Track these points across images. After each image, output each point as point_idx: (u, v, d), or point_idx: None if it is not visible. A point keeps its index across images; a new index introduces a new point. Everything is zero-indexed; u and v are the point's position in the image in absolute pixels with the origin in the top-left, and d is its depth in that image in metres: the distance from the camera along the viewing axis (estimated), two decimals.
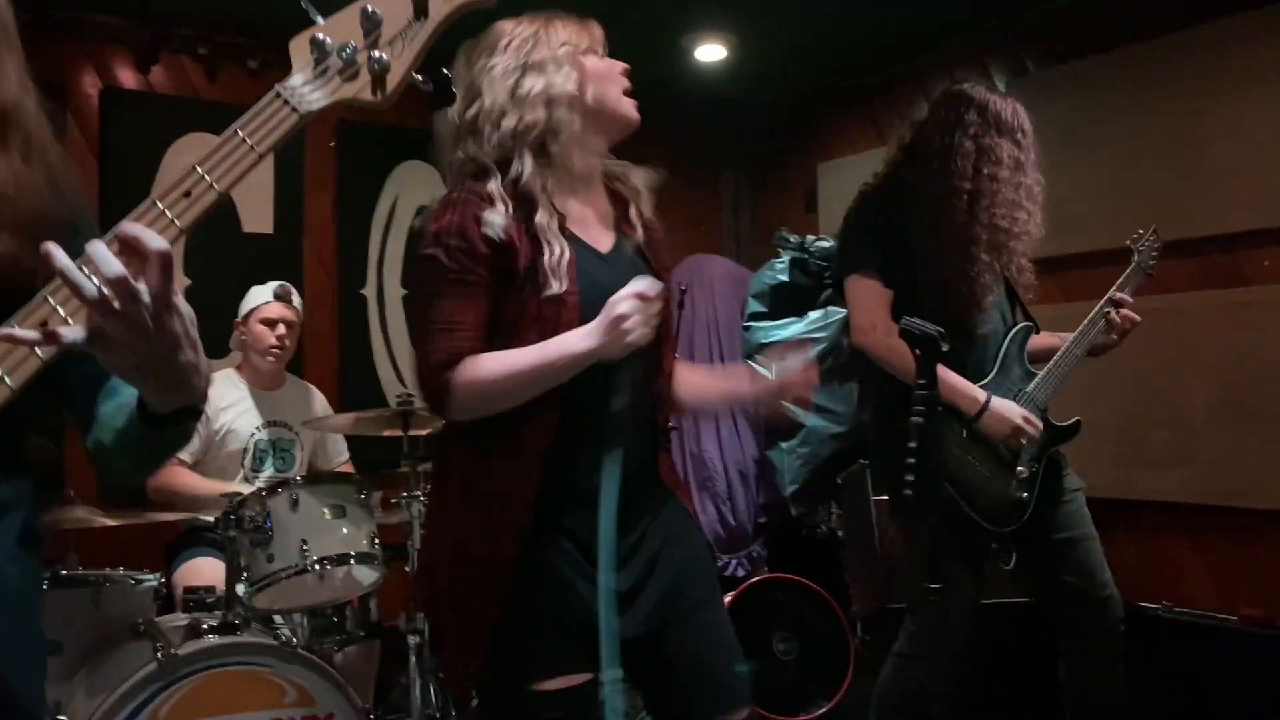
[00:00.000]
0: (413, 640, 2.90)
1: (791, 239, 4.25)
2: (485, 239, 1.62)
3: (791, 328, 4.01)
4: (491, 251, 1.62)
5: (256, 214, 4.20)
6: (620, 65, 1.78)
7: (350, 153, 4.37)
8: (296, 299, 3.50)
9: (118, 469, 1.24)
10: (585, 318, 1.61)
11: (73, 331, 0.97)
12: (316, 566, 2.72)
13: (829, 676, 3.82)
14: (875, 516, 3.53)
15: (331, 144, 4.33)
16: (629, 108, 1.76)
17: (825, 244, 4.13)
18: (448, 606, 1.71)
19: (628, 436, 1.66)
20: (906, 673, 2.39)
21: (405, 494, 2.99)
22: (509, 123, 1.67)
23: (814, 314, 4.02)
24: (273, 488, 2.77)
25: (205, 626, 2.57)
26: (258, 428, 3.41)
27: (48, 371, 1.02)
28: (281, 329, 3.43)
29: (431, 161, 4.56)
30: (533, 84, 1.68)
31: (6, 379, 0.99)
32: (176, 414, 1.12)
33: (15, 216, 1.09)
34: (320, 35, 1.10)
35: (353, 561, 2.77)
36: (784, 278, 4.18)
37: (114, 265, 0.94)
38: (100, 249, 0.94)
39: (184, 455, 3.24)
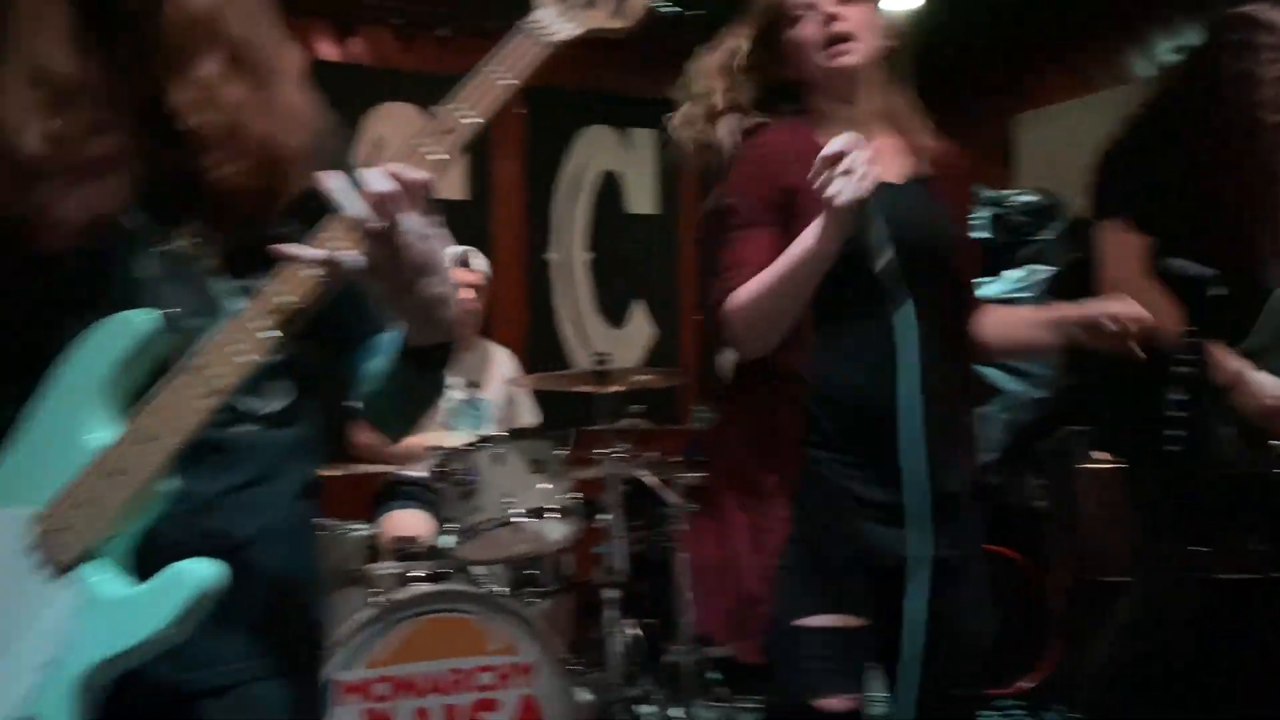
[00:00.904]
0: (612, 594, 2.93)
1: (987, 193, 4.06)
2: (772, 180, 1.64)
3: (990, 288, 3.84)
4: (779, 191, 1.64)
5: (448, 180, 4.32)
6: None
7: (537, 118, 4.43)
8: (480, 262, 3.58)
9: (384, 418, 1.32)
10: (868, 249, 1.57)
11: (351, 256, 1.02)
12: (518, 519, 2.79)
13: (1030, 650, 3.67)
14: (1083, 483, 3.35)
15: (518, 110, 4.40)
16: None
17: (1026, 198, 3.93)
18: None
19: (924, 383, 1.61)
20: (1132, 646, 2.25)
21: (601, 451, 3.02)
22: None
23: (1014, 273, 3.83)
24: (476, 443, 2.85)
25: (414, 575, 2.68)
26: (451, 388, 3.51)
27: (323, 325, 1.09)
28: (464, 292, 3.52)
29: (617, 125, 4.65)
30: None
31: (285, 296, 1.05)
32: (434, 350, 1.16)
33: (275, 146, 1.13)
34: None
35: (552, 515, 2.83)
36: (982, 234, 4.00)
37: (380, 183, 1.00)
38: (368, 172, 1.01)
39: None
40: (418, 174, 1.02)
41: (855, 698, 1.63)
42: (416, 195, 1.02)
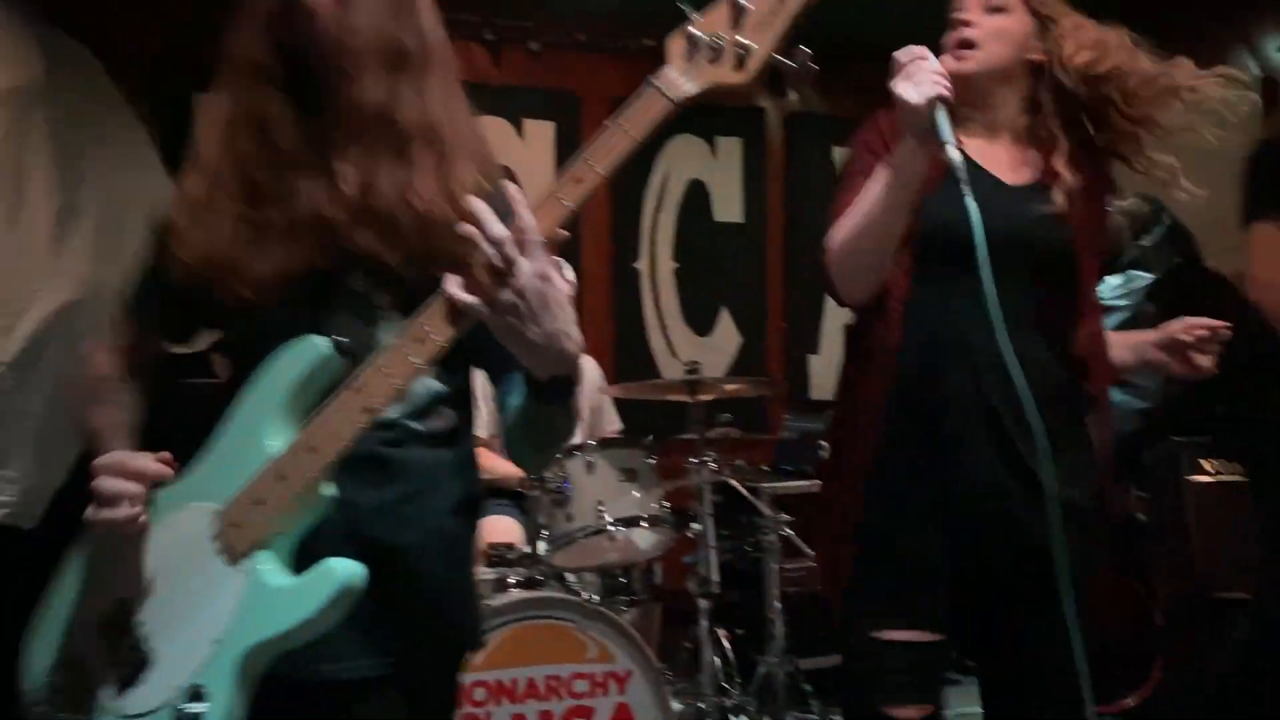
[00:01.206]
0: (704, 604, 2.93)
1: None
2: (886, 147, 1.64)
3: None
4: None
5: (537, 190, 4.36)
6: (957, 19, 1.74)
7: None
8: (568, 273, 3.60)
9: (519, 452, 1.43)
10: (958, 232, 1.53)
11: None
12: (611, 528, 2.81)
13: (1133, 667, 3.56)
14: (1191, 495, 3.25)
15: (607, 121, 4.43)
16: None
17: (1125, 203, 3.82)
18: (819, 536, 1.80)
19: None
20: (1253, 664, 2.18)
21: (693, 459, 3.02)
22: None
23: (1113, 279, 3.73)
24: (569, 451, 2.87)
25: (510, 581, 2.71)
26: None
27: (478, 357, 1.28)
28: None
29: (704, 134, 4.65)
30: None
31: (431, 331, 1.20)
32: (555, 384, 1.23)
33: (420, 214, 1.26)
34: (692, 30, 1.21)
35: (644, 524, 2.85)
36: None
37: (497, 228, 1.14)
38: (493, 222, 1.15)
39: (480, 431, 3.42)
40: (528, 222, 1.15)
41: (929, 708, 1.64)
42: (528, 241, 1.14)
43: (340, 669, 1.26)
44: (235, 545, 1.21)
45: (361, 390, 1.19)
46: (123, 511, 1.22)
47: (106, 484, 1.23)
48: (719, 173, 4.62)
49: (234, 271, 1.27)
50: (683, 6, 1.22)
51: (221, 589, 1.20)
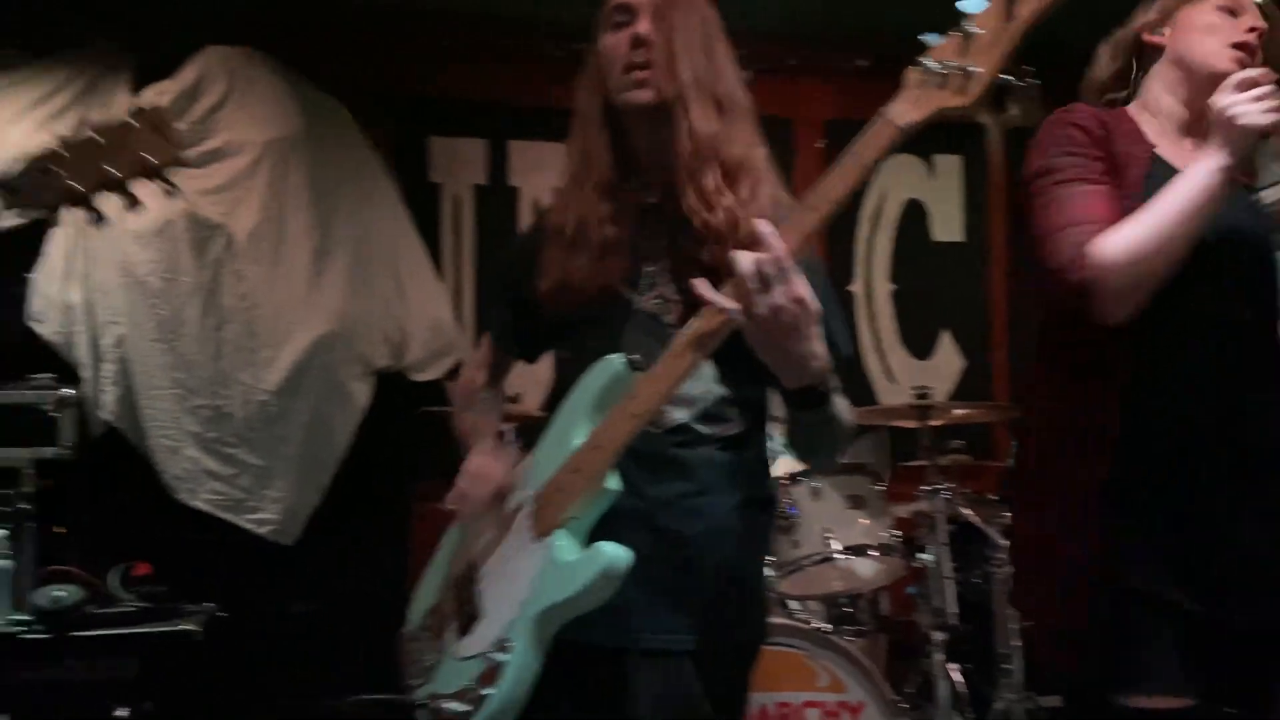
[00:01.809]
0: (938, 636, 2.84)
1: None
2: (1097, 145, 1.58)
3: None
4: (1107, 157, 1.58)
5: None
6: (1240, 22, 1.63)
7: (837, 150, 4.40)
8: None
9: (799, 452, 1.56)
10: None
11: (735, 308, 1.27)
12: (839, 556, 2.77)
13: None
14: None
15: (819, 144, 4.41)
16: (1223, 60, 1.60)
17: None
18: (1034, 607, 1.64)
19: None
20: None
21: (924, 487, 2.94)
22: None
23: None
24: (794, 477, 2.86)
25: None
26: None
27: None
28: None
29: (921, 153, 4.55)
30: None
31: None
32: (805, 394, 1.35)
33: (741, 239, 1.39)
34: (926, 60, 1.27)
35: (873, 553, 2.80)
36: None
37: (747, 259, 1.25)
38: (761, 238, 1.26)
39: None
40: (776, 248, 1.24)
41: None
42: (785, 264, 1.24)
43: (652, 639, 1.42)
44: (541, 524, 1.41)
45: (633, 398, 1.36)
46: (467, 509, 1.54)
47: (465, 485, 1.54)
48: (938, 191, 4.50)
49: (577, 294, 1.51)
50: (922, 40, 1.28)
51: (529, 560, 1.41)
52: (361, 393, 3.49)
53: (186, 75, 3.39)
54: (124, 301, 3.28)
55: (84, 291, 3.27)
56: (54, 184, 1.11)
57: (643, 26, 1.48)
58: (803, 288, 1.25)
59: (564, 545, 1.38)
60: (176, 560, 3.06)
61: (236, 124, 3.43)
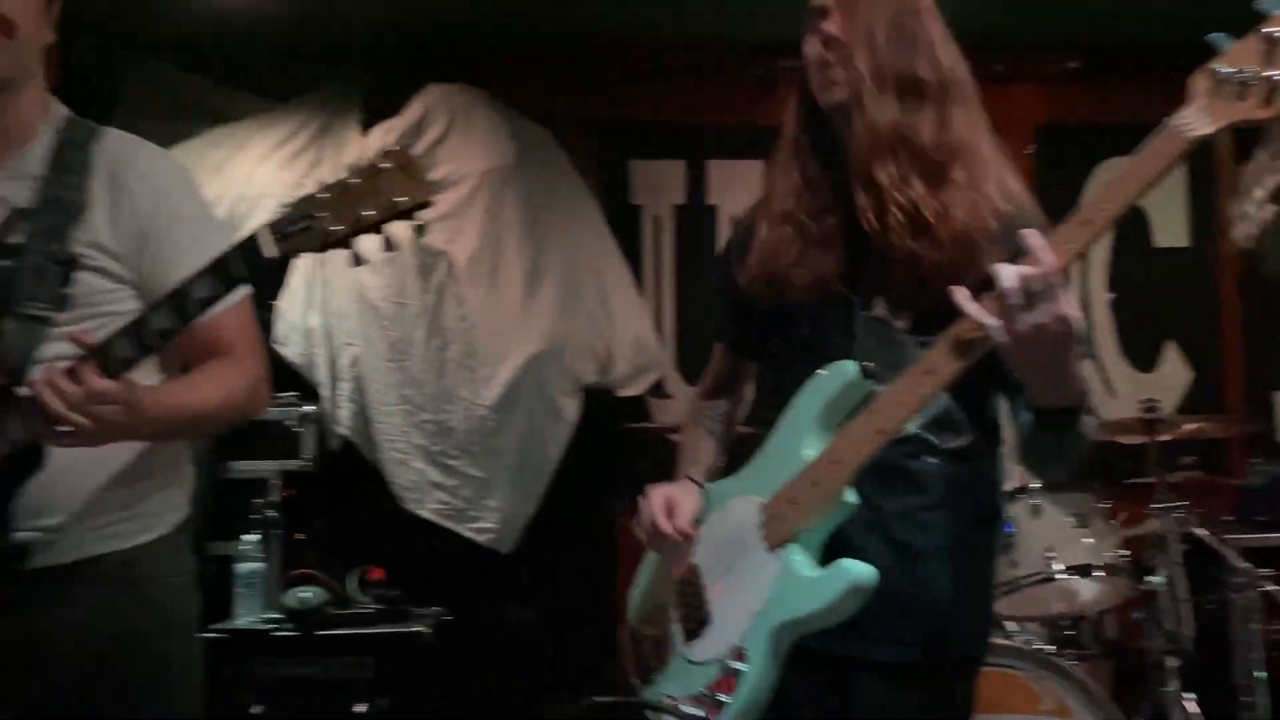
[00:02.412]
0: (1172, 662, 2.68)
1: None
2: None
3: None
4: None
5: None
6: None
7: (1047, 156, 4.25)
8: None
9: (1034, 466, 1.48)
10: None
11: (996, 324, 1.19)
12: (1060, 576, 2.66)
13: None
14: None
15: (1028, 150, 4.26)
16: None
17: None
18: None
19: None
20: None
21: (1156, 505, 2.79)
22: None
23: None
24: (1012, 493, 2.77)
25: None
26: None
27: (994, 378, 1.34)
28: None
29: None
30: None
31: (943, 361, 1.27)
32: (1060, 414, 1.28)
33: (953, 232, 1.37)
34: (1217, 67, 1.18)
35: (1098, 573, 2.67)
36: None
37: (1011, 274, 1.17)
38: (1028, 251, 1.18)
39: None
40: (1047, 262, 1.16)
41: None
42: (1054, 280, 1.16)
43: (879, 650, 1.41)
44: (773, 535, 1.39)
45: (878, 412, 1.32)
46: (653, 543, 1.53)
47: (645, 520, 1.53)
48: (1159, 195, 4.26)
49: (784, 282, 1.48)
50: (1211, 41, 1.20)
51: (762, 570, 1.40)
52: (571, 408, 3.62)
53: (411, 113, 3.64)
54: (358, 325, 3.53)
55: (323, 316, 3.55)
56: (318, 228, 1.22)
57: (831, 25, 1.44)
58: (1070, 306, 1.17)
59: (800, 559, 1.37)
60: (406, 566, 3.26)
61: (456, 157, 3.65)
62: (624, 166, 4.19)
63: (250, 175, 3.64)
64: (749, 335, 1.63)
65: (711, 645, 1.44)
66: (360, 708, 2.85)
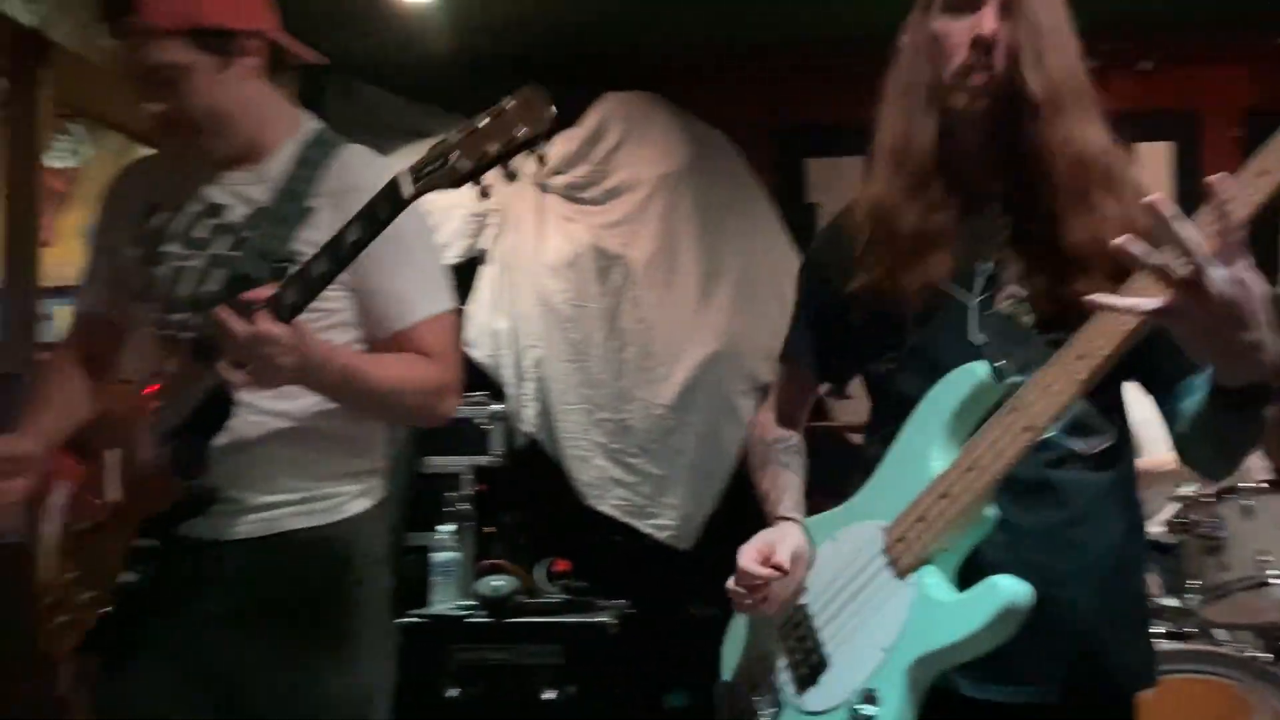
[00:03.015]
0: None
1: None
2: None
3: None
4: None
5: None
6: None
7: (1258, 143, 3.99)
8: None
9: (1199, 458, 1.32)
10: None
11: (1153, 303, 1.05)
12: (1275, 581, 2.50)
13: None
14: None
15: (1235, 133, 4.01)
16: None
17: None
18: None
19: None
20: None
21: None
22: None
23: None
24: (1221, 493, 2.62)
25: (1160, 631, 2.53)
26: None
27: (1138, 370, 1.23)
28: None
29: None
30: None
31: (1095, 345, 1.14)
32: (1247, 391, 1.12)
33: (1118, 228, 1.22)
34: None
35: None
36: None
37: (1189, 231, 1.01)
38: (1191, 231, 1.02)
39: None
40: (1236, 216, 1.02)
41: None
42: (1236, 241, 1.02)
43: (1006, 691, 1.25)
44: (901, 559, 1.25)
45: (1023, 409, 1.19)
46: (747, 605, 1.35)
47: (744, 576, 1.34)
48: None
49: (901, 284, 1.34)
50: None
51: (890, 600, 1.24)
52: (748, 408, 3.64)
53: (589, 121, 3.75)
54: (541, 327, 3.66)
55: (509, 319, 3.71)
56: (450, 166, 1.32)
57: (987, 24, 1.27)
58: (1246, 271, 1.02)
59: (936, 582, 1.22)
60: (590, 559, 3.36)
61: (632, 162, 3.74)
62: (799, 165, 4.18)
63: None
64: (839, 352, 1.48)
65: (832, 692, 1.28)
66: (549, 694, 2.96)
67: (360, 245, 1.35)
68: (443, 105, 3.99)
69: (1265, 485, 2.69)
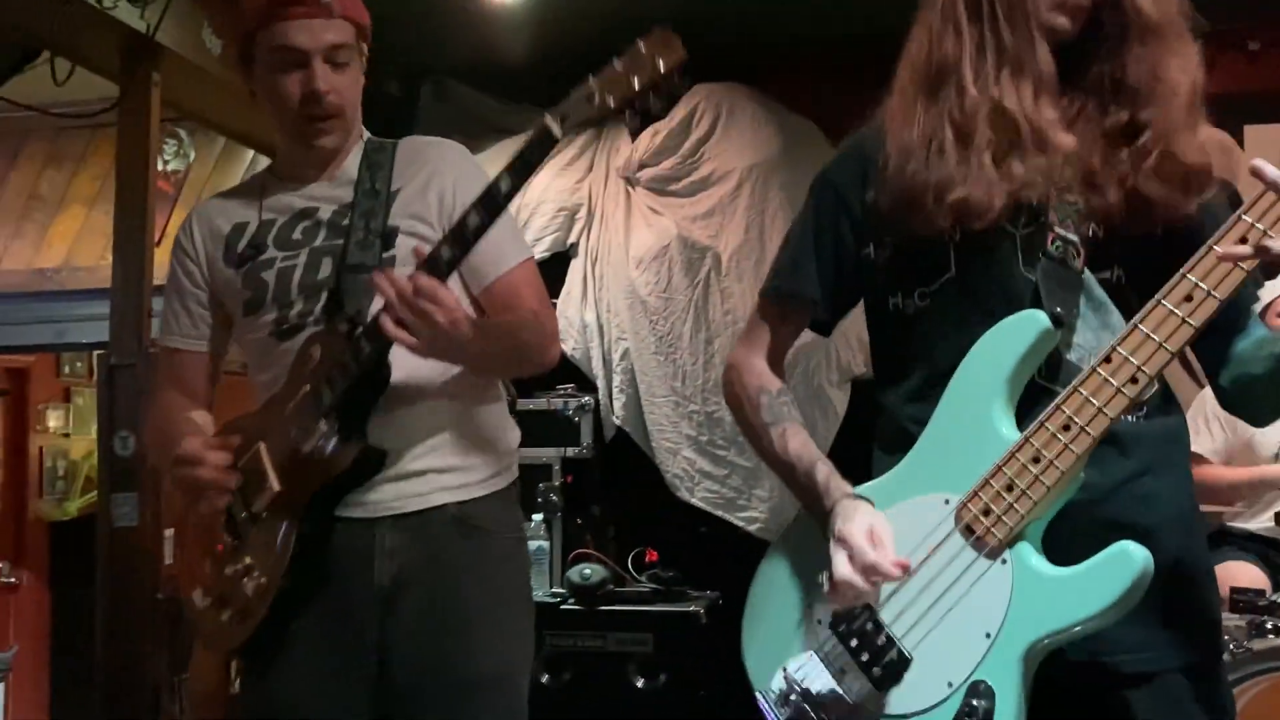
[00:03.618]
0: None
1: None
2: None
3: None
4: None
5: None
6: None
7: None
8: None
9: (1254, 401, 1.26)
10: None
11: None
12: None
13: None
14: None
15: None
16: None
17: None
18: None
19: None
20: None
21: None
22: None
23: None
24: None
25: (1270, 626, 2.44)
26: None
27: None
28: None
29: None
30: None
31: (1204, 288, 1.08)
32: None
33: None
34: None
35: None
36: None
37: None
38: None
39: (1205, 454, 3.15)
40: None
41: None
42: None
43: (1121, 660, 1.18)
44: (991, 535, 1.14)
45: (1121, 361, 1.10)
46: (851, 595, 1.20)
47: (870, 571, 1.18)
48: None
49: (944, 204, 1.20)
50: None
51: (984, 582, 1.13)
52: (840, 399, 3.60)
53: (679, 112, 3.75)
54: (629, 320, 3.68)
55: (597, 313, 3.74)
56: (593, 105, 1.39)
57: None
58: None
59: (1038, 559, 1.13)
60: (680, 550, 3.37)
61: (722, 153, 3.73)
62: None
63: (531, 183, 3.87)
64: (852, 285, 1.35)
65: (926, 690, 1.15)
66: (639, 682, 2.97)
67: (512, 192, 1.42)
68: (532, 104, 4.05)
69: None
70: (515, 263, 1.66)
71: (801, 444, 1.32)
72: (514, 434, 1.75)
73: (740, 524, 3.54)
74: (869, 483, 1.27)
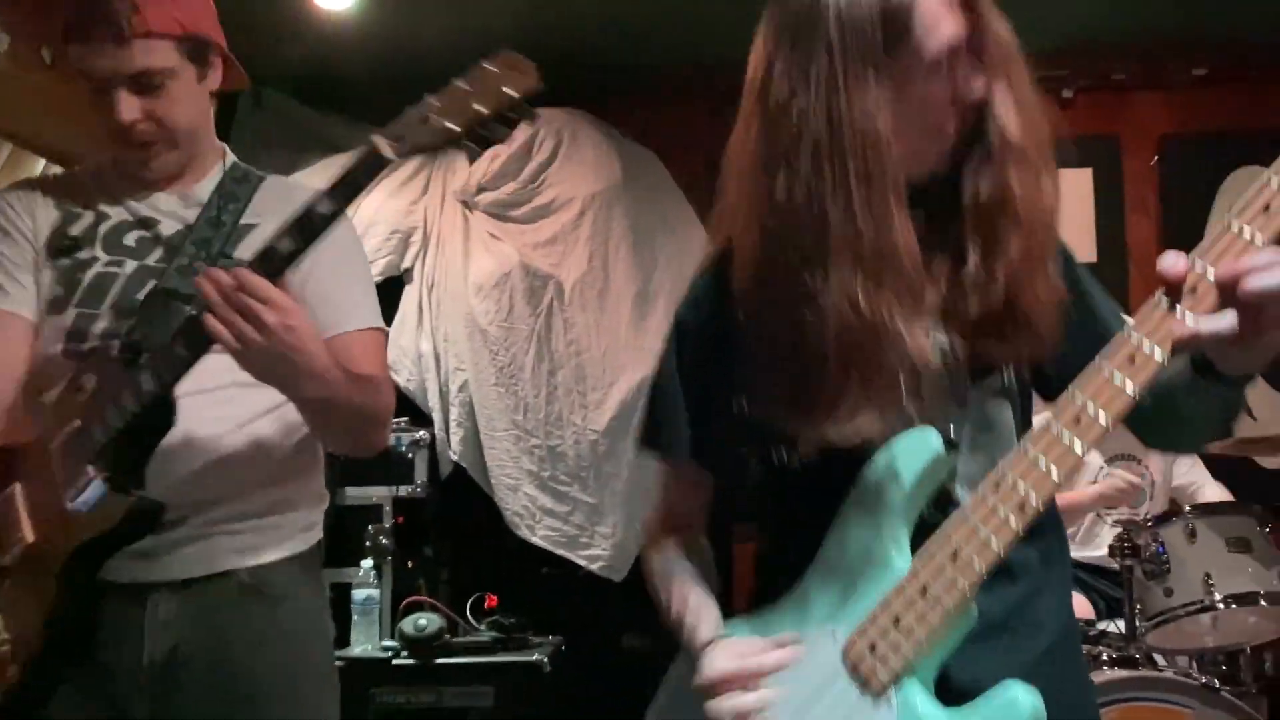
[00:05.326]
0: None
1: None
2: None
3: None
4: None
5: (1076, 242, 4.10)
6: None
7: (1174, 169, 4.07)
8: None
9: (1163, 430, 1.15)
10: None
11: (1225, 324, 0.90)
12: (1222, 605, 2.49)
13: None
14: None
15: (1153, 161, 4.09)
16: None
17: None
18: None
19: None
20: None
21: None
22: None
23: None
24: (1164, 517, 2.62)
25: (1105, 658, 2.49)
26: (1104, 463, 3.29)
27: None
28: None
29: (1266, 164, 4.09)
30: None
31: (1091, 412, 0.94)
32: (1242, 380, 0.99)
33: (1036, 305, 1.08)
34: None
35: (1263, 603, 2.49)
36: None
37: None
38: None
39: None
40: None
41: None
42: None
43: None
44: (876, 674, 1.04)
45: (1010, 488, 0.98)
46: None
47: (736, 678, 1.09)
48: None
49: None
50: None
51: None
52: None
53: (519, 136, 3.62)
54: (468, 350, 3.51)
55: (433, 341, 3.55)
56: (434, 127, 1.27)
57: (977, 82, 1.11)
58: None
59: (924, 698, 1.03)
60: (519, 593, 3.21)
61: (563, 179, 3.63)
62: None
63: (361, 202, 3.66)
64: (728, 440, 1.19)
65: None
66: None
67: (333, 217, 1.27)
68: (369, 120, 3.84)
69: (1207, 507, 2.70)
70: (363, 325, 1.53)
71: (680, 602, 1.20)
72: (321, 491, 1.61)
73: (583, 563, 3.42)
74: (753, 615, 1.16)
